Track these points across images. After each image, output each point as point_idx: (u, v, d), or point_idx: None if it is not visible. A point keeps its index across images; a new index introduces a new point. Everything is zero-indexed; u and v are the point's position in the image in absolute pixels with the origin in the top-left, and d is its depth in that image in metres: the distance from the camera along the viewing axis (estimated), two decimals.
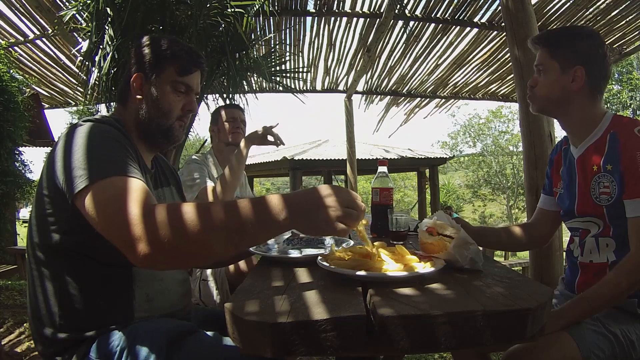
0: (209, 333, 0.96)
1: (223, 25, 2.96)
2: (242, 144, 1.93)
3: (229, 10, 2.87)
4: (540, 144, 2.39)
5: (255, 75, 3.72)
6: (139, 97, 1.09)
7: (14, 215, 6.36)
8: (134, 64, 1.10)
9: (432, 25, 4.53)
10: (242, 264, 1.97)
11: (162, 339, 0.89)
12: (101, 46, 2.70)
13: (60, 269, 0.94)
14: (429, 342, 0.63)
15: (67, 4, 3.61)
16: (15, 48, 4.75)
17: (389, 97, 6.32)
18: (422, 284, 0.79)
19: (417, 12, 4.36)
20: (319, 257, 0.92)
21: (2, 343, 2.61)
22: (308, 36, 4.78)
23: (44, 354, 0.96)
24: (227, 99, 3.34)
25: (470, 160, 22.02)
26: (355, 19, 4.49)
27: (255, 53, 3.57)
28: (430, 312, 0.63)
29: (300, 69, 5.33)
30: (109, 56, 2.63)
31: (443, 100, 6.42)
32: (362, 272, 0.81)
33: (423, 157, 11.46)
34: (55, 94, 6.05)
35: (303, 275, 0.93)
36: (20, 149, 5.08)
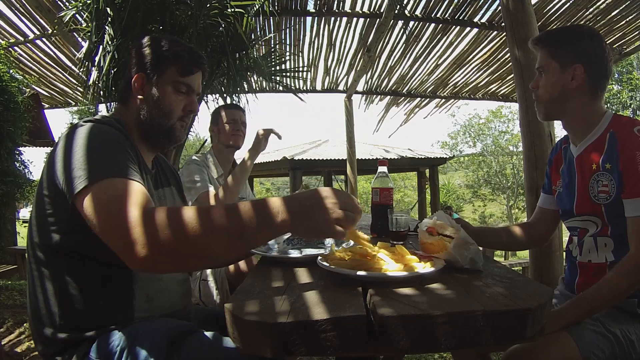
0: (208, 333, 0.96)
1: (223, 25, 2.96)
2: (246, 155, 1.94)
3: (229, 10, 2.87)
4: (540, 144, 2.39)
5: (255, 75, 3.73)
6: (140, 97, 1.09)
7: (14, 215, 6.36)
8: (135, 65, 1.10)
9: (432, 25, 4.53)
10: (242, 264, 1.97)
11: (162, 339, 0.89)
12: (101, 46, 2.70)
13: (60, 269, 0.94)
14: (429, 342, 0.63)
15: (67, 4, 3.61)
16: (15, 48, 4.75)
17: (389, 97, 6.33)
18: (422, 284, 0.79)
19: (417, 12, 4.36)
20: (319, 257, 0.92)
21: (2, 343, 2.61)
22: (308, 36, 4.79)
23: (44, 354, 0.96)
24: (227, 99, 3.34)
25: (470, 160, 22.02)
26: (355, 19, 4.49)
27: (255, 53, 3.57)
28: (430, 312, 0.63)
29: (300, 69, 5.33)
30: (109, 56, 2.63)
31: (443, 100, 6.42)
32: (362, 272, 0.81)
33: (423, 157, 11.46)
34: (55, 94, 6.06)
35: (303, 275, 0.93)
36: (20, 149, 5.08)
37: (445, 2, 4.15)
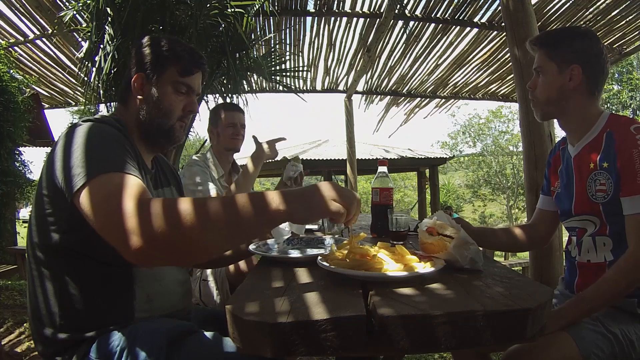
0: (208, 333, 0.96)
1: (223, 25, 2.96)
2: (249, 164, 1.94)
3: (229, 10, 2.87)
4: (540, 144, 2.39)
5: (255, 75, 3.73)
6: (140, 97, 1.08)
7: (14, 215, 6.36)
8: (135, 64, 1.10)
9: (432, 25, 4.53)
10: (242, 264, 1.97)
11: (162, 339, 0.89)
12: (101, 46, 2.70)
13: (60, 269, 0.94)
14: (429, 342, 0.63)
15: (67, 4, 3.61)
16: (15, 48, 4.75)
17: (389, 97, 6.33)
18: (422, 284, 0.79)
19: (417, 12, 4.36)
20: (319, 257, 0.92)
21: (2, 343, 2.61)
22: (308, 36, 4.79)
23: (44, 354, 0.96)
24: (227, 99, 3.34)
25: (470, 160, 22.00)
26: (355, 19, 4.49)
27: (255, 53, 3.57)
28: (430, 312, 0.63)
29: (300, 69, 5.33)
30: (109, 56, 2.63)
31: (443, 100, 6.42)
32: (362, 272, 0.81)
33: (423, 157, 11.46)
34: (55, 94, 6.06)
35: (303, 275, 0.93)
36: (20, 149, 5.08)
37: (445, 2, 4.15)
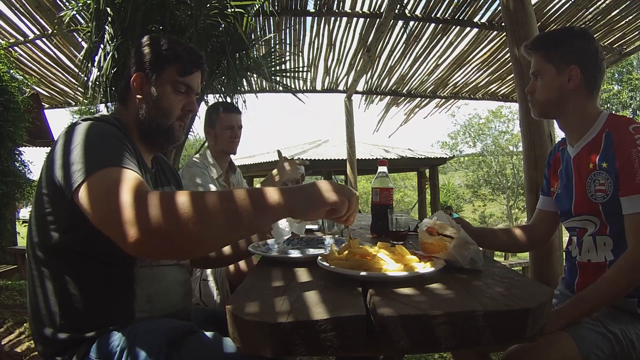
0: (209, 333, 0.96)
1: (223, 25, 2.96)
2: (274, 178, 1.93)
3: (229, 10, 2.87)
4: (540, 144, 2.39)
5: (255, 75, 3.72)
6: (139, 97, 1.08)
7: (14, 215, 6.36)
8: (135, 64, 1.10)
9: (432, 25, 4.53)
10: (242, 264, 1.97)
11: (162, 339, 0.89)
12: (101, 46, 2.70)
13: (60, 268, 0.94)
14: (429, 342, 0.63)
15: (67, 4, 3.61)
16: (15, 48, 4.75)
17: (389, 97, 6.33)
18: (422, 284, 0.79)
19: (417, 12, 4.36)
20: (319, 257, 0.92)
21: (2, 343, 2.61)
22: (308, 36, 4.79)
23: (44, 354, 0.96)
24: (227, 99, 3.34)
25: (470, 160, 22.00)
26: (355, 19, 4.49)
27: (255, 53, 3.57)
28: (430, 312, 0.63)
29: (300, 69, 5.33)
30: (109, 56, 2.62)
31: (443, 100, 6.42)
32: (362, 272, 0.81)
33: (423, 157, 11.46)
34: (55, 94, 6.05)
35: (303, 275, 0.93)
36: (20, 149, 5.07)
37: (445, 2, 4.15)
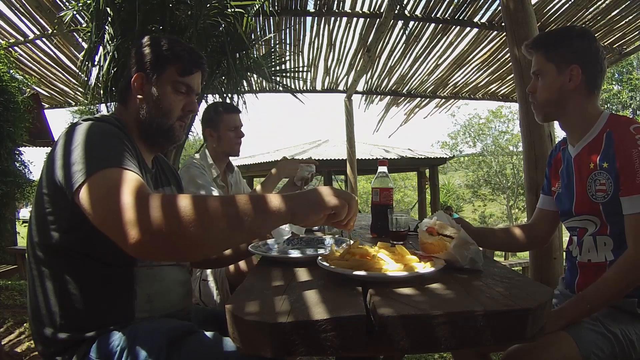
0: (209, 333, 0.96)
1: (223, 25, 2.96)
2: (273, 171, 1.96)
3: (229, 10, 2.87)
4: (540, 144, 2.39)
5: (255, 75, 3.72)
6: (139, 97, 1.09)
7: (14, 215, 6.35)
8: (135, 64, 1.10)
9: (432, 25, 4.53)
10: (242, 264, 1.97)
11: (162, 339, 0.89)
12: (101, 46, 2.70)
13: (60, 268, 0.94)
14: (429, 342, 0.63)
15: (67, 4, 3.61)
16: (15, 48, 4.75)
17: (389, 97, 6.33)
18: (422, 284, 0.79)
19: (417, 12, 4.36)
20: (319, 257, 0.92)
21: (2, 343, 2.61)
22: (308, 36, 4.79)
23: (44, 354, 0.96)
24: (227, 99, 3.34)
25: (470, 160, 22.00)
26: (355, 19, 4.49)
27: (255, 53, 3.57)
28: (430, 312, 0.63)
29: (300, 69, 5.33)
30: (109, 56, 2.63)
31: (443, 100, 6.42)
32: (362, 272, 0.81)
33: (423, 157, 11.46)
34: (55, 94, 6.06)
35: (303, 275, 0.93)
36: (20, 149, 5.07)
37: (445, 2, 4.15)
